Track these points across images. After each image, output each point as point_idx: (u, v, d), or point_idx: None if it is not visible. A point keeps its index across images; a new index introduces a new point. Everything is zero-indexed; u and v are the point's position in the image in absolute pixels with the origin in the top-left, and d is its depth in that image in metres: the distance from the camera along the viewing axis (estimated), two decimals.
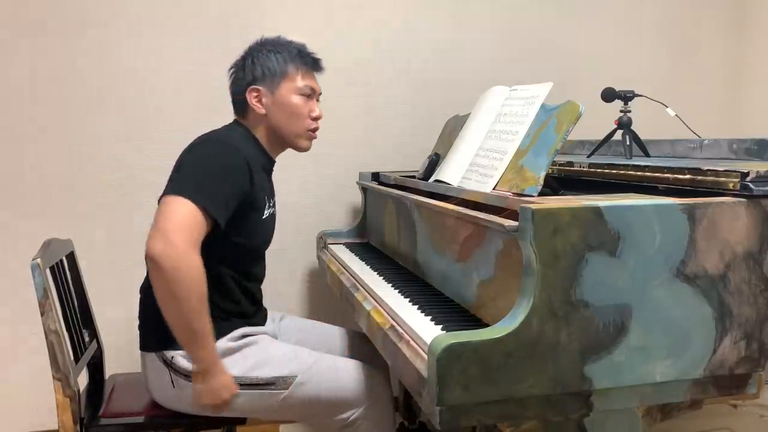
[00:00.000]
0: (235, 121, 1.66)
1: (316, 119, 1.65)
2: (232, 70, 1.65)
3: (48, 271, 1.50)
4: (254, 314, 1.64)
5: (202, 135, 1.56)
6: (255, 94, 1.59)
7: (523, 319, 1.06)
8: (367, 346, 1.75)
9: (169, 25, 2.24)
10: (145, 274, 1.56)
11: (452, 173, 1.65)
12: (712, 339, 1.17)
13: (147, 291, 1.57)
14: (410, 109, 2.48)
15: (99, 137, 2.21)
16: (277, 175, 2.37)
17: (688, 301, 1.15)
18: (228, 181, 1.44)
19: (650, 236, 1.12)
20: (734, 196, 1.18)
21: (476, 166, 1.57)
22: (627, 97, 1.81)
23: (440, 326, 1.27)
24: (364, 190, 2.30)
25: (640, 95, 1.84)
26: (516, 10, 2.56)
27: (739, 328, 1.18)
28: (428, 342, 1.08)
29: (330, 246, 2.24)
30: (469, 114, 1.78)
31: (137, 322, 1.57)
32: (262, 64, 1.59)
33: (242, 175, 1.47)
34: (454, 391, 1.04)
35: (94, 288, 1.84)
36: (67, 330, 1.57)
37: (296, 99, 1.61)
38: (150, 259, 1.30)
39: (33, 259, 1.44)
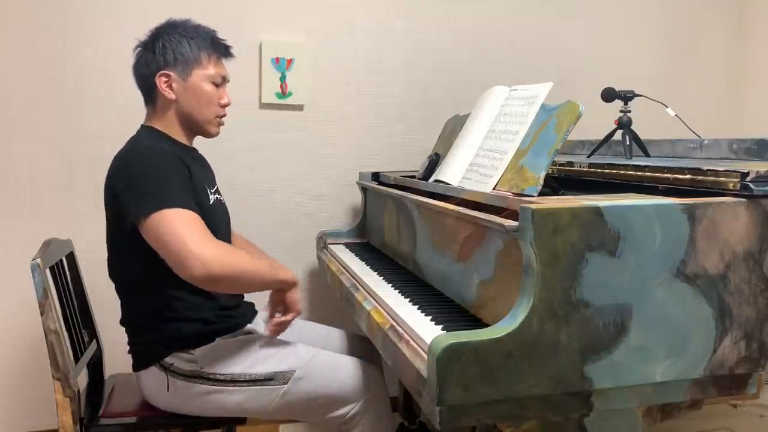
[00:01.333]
0: (141, 127, 1.62)
1: (224, 106, 1.63)
2: (138, 50, 1.60)
3: (48, 271, 1.50)
4: (236, 305, 1.63)
5: (119, 153, 1.52)
6: (165, 79, 1.55)
7: (523, 319, 1.06)
8: (362, 346, 1.75)
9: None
10: (120, 309, 1.59)
11: (452, 173, 1.65)
12: (712, 339, 1.17)
13: (127, 320, 1.59)
14: (410, 109, 2.48)
15: (99, 137, 2.20)
16: (276, 176, 2.39)
17: (688, 301, 1.15)
18: (178, 178, 1.45)
19: (650, 236, 1.12)
20: (734, 196, 1.18)
21: (476, 166, 1.57)
22: (627, 97, 1.81)
23: (440, 326, 1.27)
24: (364, 190, 2.30)
25: (640, 95, 1.84)
26: (516, 10, 2.56)
27: (739, 328, 1.18)
28: (428, 342, 1.08)
29: (330, 246, 2.24)
30: (469, 114, 1.78)
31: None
32: (174, 49, 1.55)
33: (182, 168, 1.47)
34: (454, 391, 1.04)
35: (94, 288, 1.84)
36: (67, 330, 1.57)
37: (208, 87, 1.58)
38: (199, 281, 1.35)
39: (33, 259, 1.44)
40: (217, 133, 1.65)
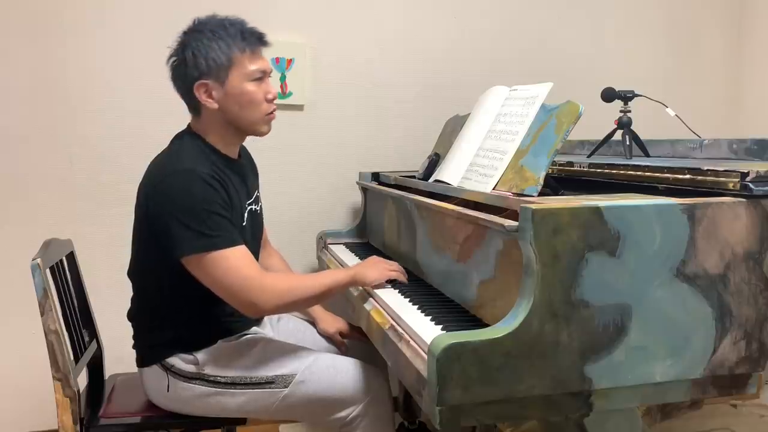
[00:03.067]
0: (187, 128, 1.56)
1: (272, 101, 1.52)
2: (172, 60, 1.49)
3: (48, 271, 1.50)
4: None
5: (160, 161, 1.48)
6: (204, 89, 1.46)
7: (523, 319, 1.06)
8: (363, 346, 1.75)
9: (162, 26, 2.23)
10: (130, 303, 1.60)
11: (452, 173, 1.65)
12: (712, 339, 1.17)
13: (135, 316, 1.59)
14: (410, 109, 2.48)
15: (99, 137, 2.20)
16: (277, 176, 2.39)
17: (688, 301, 1.15)
18: (222, 210, 1.41)
19: (650, 236, 1.12)
20: (734, 196, 1.18)
21: (476, 166, 1.57)
22: (627, 97, 1.81)
23: (440, 326, 1.27)
24: (364, 190, 2.30)
25: (640, 95, 1.84)
26: (516, 10, 2.56)
27: (739, 328, 1.18)
28: (428, 342, 1.08)
29: (330, 246, 2.24)
30: (469, 114, 1.78)
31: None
32: (206, 56, 1.44)
33: (221, 195, 1.43)
34: (454, 391, 1.04)
35: (94, 288, 1.84)
36: (67, 330, 1.57)
37: (249, 86, 1.47)
38: (264, 313, 1.52)
39: (33, 259, 1.44)
40: (269, 131, 1.56)
